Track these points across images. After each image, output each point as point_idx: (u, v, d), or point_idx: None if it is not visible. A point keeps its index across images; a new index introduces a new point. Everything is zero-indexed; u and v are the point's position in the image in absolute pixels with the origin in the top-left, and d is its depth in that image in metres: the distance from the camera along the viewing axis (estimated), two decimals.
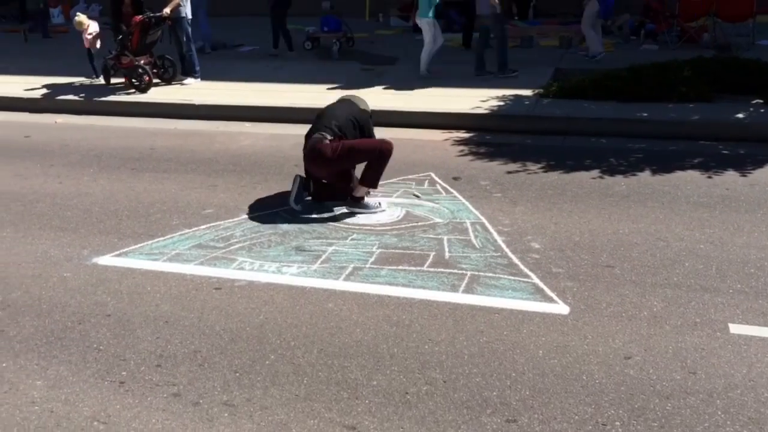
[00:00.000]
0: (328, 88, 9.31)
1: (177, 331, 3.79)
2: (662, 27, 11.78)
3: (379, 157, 5.32)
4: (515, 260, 4.53)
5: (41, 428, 3.06)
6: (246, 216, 5.42)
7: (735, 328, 3.68)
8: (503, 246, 4.75)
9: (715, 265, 4.39)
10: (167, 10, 9.40)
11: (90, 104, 9.30)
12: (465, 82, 9.37)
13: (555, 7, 14.57)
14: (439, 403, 3.15)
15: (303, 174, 5.53)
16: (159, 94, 9.49)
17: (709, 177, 6.06)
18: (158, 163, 6.87)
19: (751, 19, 11.46)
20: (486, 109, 8.14)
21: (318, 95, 8.98)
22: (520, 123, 7.82)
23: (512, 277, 4.29)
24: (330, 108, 5.64)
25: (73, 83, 10.19)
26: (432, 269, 4.42)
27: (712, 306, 3.91)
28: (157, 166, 6.75)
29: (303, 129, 7.71)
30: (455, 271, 4.39)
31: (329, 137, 5.23)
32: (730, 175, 6.09)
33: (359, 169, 5.46)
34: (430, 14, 9.71)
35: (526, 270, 4.39)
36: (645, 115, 7.66)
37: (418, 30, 14.06)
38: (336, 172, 5.43)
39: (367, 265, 4.50)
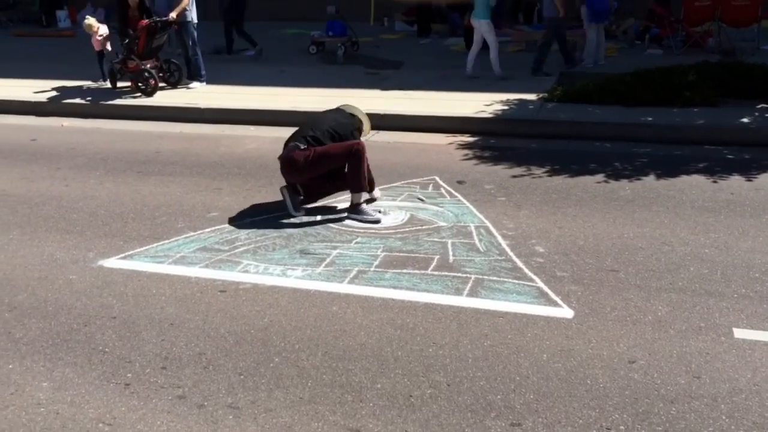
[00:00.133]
0: (333, 92, 9.33)
1: (182, 333, 3.80)
2: (667, 32, 11.78)
3: (353, 158, 5.25)
4: (519, 264, 4.53)
5: (47, 430, 3.08)
6: (251, 219, 5.43)
7: (740, 333, 3.67)
8: (507, 250, 4.75)
9: (720, 269, 4.39)
10: (173, 15, 9.44)
11: (96, 108, 9.35)
12: (469, 86, 9.39)
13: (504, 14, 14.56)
14: (443, 407, 3.15)
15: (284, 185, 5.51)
16: (165, 97, 9.53)
17: (714, 181, 6.05)
18: (164, 166, 6.90)
19: (755, 24, 11.46)
20: (490, 113, 8.15)
21: (322, 99, 9.00)
22: (524, 127, 7.82)
23: (516, 281, 4.30)
24: (313, 118, 5.59)
25: (79, 87, 10.24)
26: (436, 273, 4.43)
27: (717, 310, 3.90)
28: (162, 170, 6.78)
29: None
30: (459, 274, 4.40)
31: (302, 146, 5.23)
32: (735, 180, 6.08)
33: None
34: (488, 15, 9.83)
35: (530, 274, 4.39)
36: (650, 119, 7.67)
37: (422, 34, 14.16)
38: (312, 177, 5.42)
39: (372, 269, 4.50)
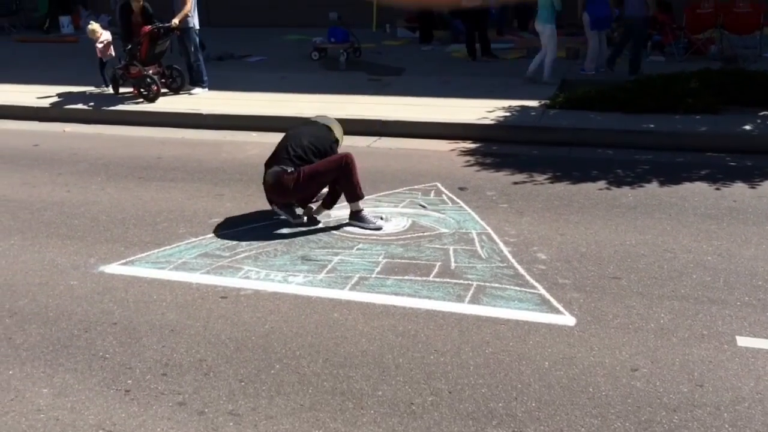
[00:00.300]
0: (335, 98, 9.34)
1: (183, 339, 3.80)
2: (669, 39, 11.78)
3: (345, 170, 5.20)
4: (521, 271, 4.52)
5: None
6: (252, 225, 5.42)
7: (743, 341, 3.66)
8: (509, 257, 4.74)
9: (723, 277, 4.37)
10: (176, 21, 9.46)
11: (98, 113, 9.36)
12: (471, 93, 9.39)
13: (561, 19, 14.57)
14: (444, 414, 3.13)
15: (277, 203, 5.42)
16: (167, 103, 9.54)
17: (717, 189, 6.04)
18: (165, 172, 6.90)
19: (758, 32, 11.45)
20: (492, 119, 8.15)
21: (324, 105, 9.01)
22: (526, 134, 7.82)
23: (518, 288, 4.29)
24: (289, 135, 5.40)
25: (82, 92, 10.25)
26: (438, 279, 4.42)
27: (720, 318, 3.89)
28: (164, 175, 6.78)
29: None
30: (461, 281, 4.39)
31: (289, 170, 5.13)
32: (738, 187, 6.07)
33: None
34: (552, 20, 9.91)
35: (532, 281, 4.38)
36: (652, 126, 7.66)
37: (424, 41, 14.17)
38: (304, 197, 5.39)
39: (373, 275, 4.49)
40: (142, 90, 9.60)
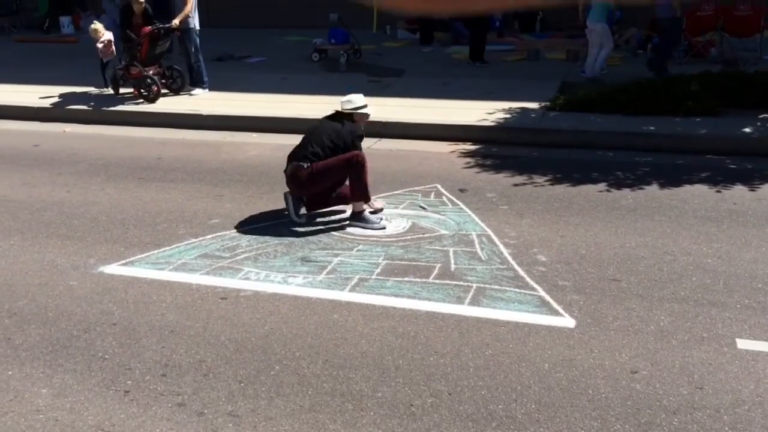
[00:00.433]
0: (335, 100, 9.32)
1: (182, 340, 3.79)
2: None
3: (355, 169, 5.24)
4: (521, 273, 4.52)
5: None
6: (252, 226, 5.42)
7: (743, 344, 3.66)
8: (509, 258, 4.74)
9: (723, 279, 4.37)
10: (176, 22, 9.47)
11: (98, 114, 9.35)
12: (471, 95, 9.39)
13: (562, 21, 14.59)
14: (444, 416, 3.13)
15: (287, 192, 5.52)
16: (167, 104, 9.53)
17: (717, 191, 6.04)
18: (165, 172, 6.90)
19: (758, 34, 11.46)
20: (492, 121, 8.15)
21: (325, 106, 8.97)
22: (526, 135, 7.82)
23: (518, 290, 4.28)
24: (312, 131, 5.45)
25: (82, 93, 10.25)
26: (438, 281, 4.42)
27: (720, 321, 3.89)
28: (164, 176, 6.78)
29: None
30: (461, 283, 4.38)
31: (305, 165, 5.21)
32: (738, 190, 6.07)
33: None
34: (605, 18, 10.05)
35: (532, 283, 4.38)
36: (652, 128, 7.66)
37: (424, 43, 14.17)
38: (317, 191, 5.42)
39: (373, 277, 4.49)
40: (142, 90, 9.60)
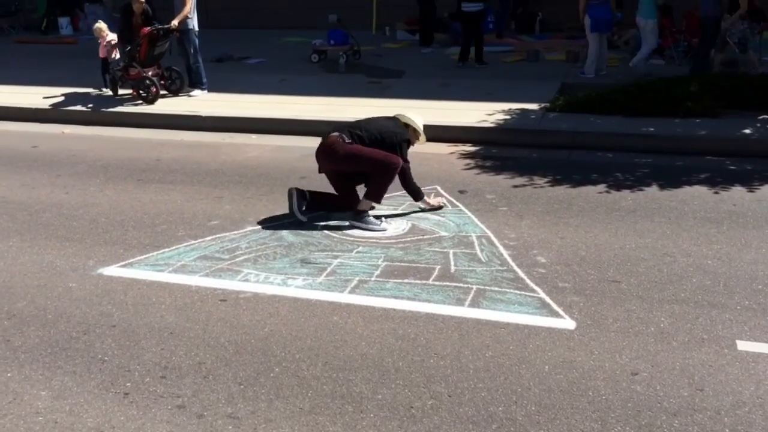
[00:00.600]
0: (334, 101, 9.34)
1: (182, 342, 3.78)
2: (669, 42, 11.79)
3: (384, 171, 5.31)
4: (521, 274, 4.51)
5: None
6: (251, 228, 5.42)
7: (743, 345, 3.66)
8: (509, 260, 4.74)
9: (723, 281, 4.37)
10: (175, 22, 9.46)
11: (97, 115, 9.34)
12: (471, 96, 9.39)
13: (561, 22, 14.60)
14: (444, 418, 3.13)
15: (297, 187, 5.55)
16: (166, 105, 9.53)
17: (716, 192, 6.04)
18: (164, 174, 6.89)
19: (757, 36, 11.44)
20: (492, 122, 8.15)
21: (324, 107, 9.02)
22: (526, 137, 7.82)
23: (518, 292, 4.28)
24: (367, 119, 5.67)
25: (81, 94, 10.23)
26: (437, 283, 4.41)
27: (720, 322, 3.88)
28: (163, 177, 6.77)
29: (309, 141, 7.77)
30: (461, 284, 4.38)
31: (347, 139, 5.33)
32: (738, 191, 6.07)
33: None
34: (654, 15, 10.28)
35: (532, 284, 4.37)
36: (651, 130, 7.66)
37: (424, 44, 14.17)
38: (340, 170, 5.51)
39: (373, 278, 4.49)
40: (141, 92, 9.59)
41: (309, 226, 5.40)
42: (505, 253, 4.84)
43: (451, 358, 3.59)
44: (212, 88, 10.12)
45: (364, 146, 5.34)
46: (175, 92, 10.03)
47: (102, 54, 10.14)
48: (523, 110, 8.61)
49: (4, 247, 5.13)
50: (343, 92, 9.85)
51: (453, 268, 4.62)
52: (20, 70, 12.26)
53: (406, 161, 5.49)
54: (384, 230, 5.27)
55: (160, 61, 9.88)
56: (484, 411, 3.17)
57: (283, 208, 5.76)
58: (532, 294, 4.25)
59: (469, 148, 7.70)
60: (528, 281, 4.42)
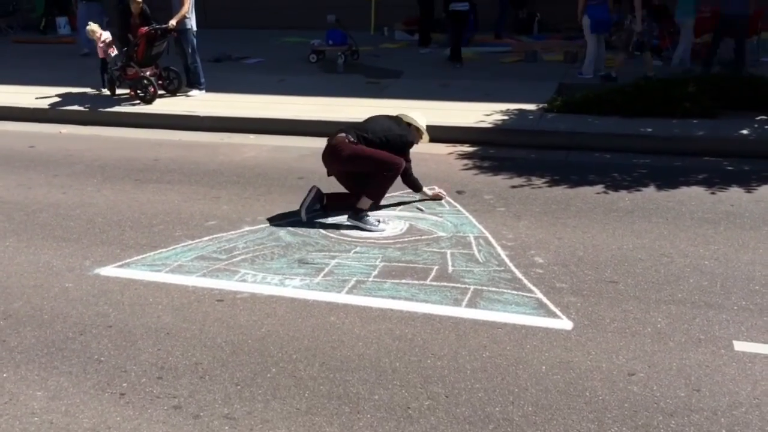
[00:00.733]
0: (333, 101, 9.33)
1: (178, 342, 3.78)
2: (666, 43, 11.79)
3: (386, 171, 5.38)
4: (519, 275, 4.51)
5: None
6: (249, 228, 5.41)
7: (740, 346, 3.66)
8: (507, 260, 4.73)
9: (720, 281, 4.37)
10: (173, 22, 9.45)
11: (95, 115, 9.33)
12: (469, 96, 9.39)
13: (559, 22, 14.61)
14: (441, 419, 3.12)
15: (317, 186, 5.64)
16: (164, 105, 9.52)
17: (714, 193, 6.04)
18: (162, 174, 6.88)
19: (755, 36, 11.46)
20: (490, 123, 8.15)
21: (322, 108, 9.01)
22: (524, 137, 7.82)
23: (515, 292, 4.28)
24: (374, 119, 5.78)
25: (78, 94, 10.22)
26: (435, 283, 4.41)
27: (717, 323, 3.88)
28: (160, 177, 6.76)
29: (307, 141, 7.81)
30: (458, 285, 4.38)
31: (353, 139, 5.42)
32: (735, 192, 6.07)
33: None
34: (694, 14, 10.39)
35: (529, 285, 4.37)
36: (649, 130, 7.66)
37: (423, 44, 14.17)
38: (345, 171, 5.61)
39: (370, 279, 4.48)
40: (139, 91, 9.58)
41: (307, 226, 5.40)
42: (503, 254, 4.84)
43: (449, 358, 3.58)
44: (210, 88, 10.11)
45: (368, 147, 5.43)
46: (173, 92, 10.02)
47: (101, 54, 10.13)
48: (521, 111, 8.61)
49: (1, 247, 5.12)
50: (342, 92, 9.85)
51: (450, 268, 4.62)
52: (18, 69, 12.24)
53: (407, 160, 5.66)
54: (382, 231, 5.26)
55: (158, 61, 9.87)
56: (480, 411, 3.17)
57: (280, 208, 5.77)
58: (529, 294, 4.25)
59: (467, 148, 7.70)
60: (525, 282, 4.41)
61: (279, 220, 5.53)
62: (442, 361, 3.56)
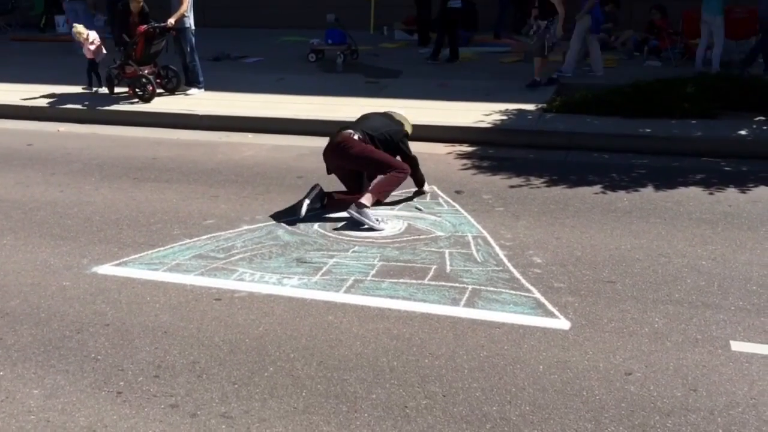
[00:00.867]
0: (332, 100, 9.33)
1: (176, 341, 3.78)
2: (666, 43, 11.79)
3: (394, 176, 5.59)
4: (517, 274, 4.51)
5: None
6: (247, 227, 5.41)
7: (736, 346, 3.66)
8: (505, 260, 4.73)
9: (717, 281, 4.37)
10: (172, 21, 9.44)
11: (93, 113, 9.32)
12: (468, 96, 9.39)
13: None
14: (438, 418, 3.12)
15: (320, 185, 5.69)
16: (162, 104, 9.51)
17: (712, 193, 6.04)
18: (160, 172, 6.88)
19: (754, 37, 11.46)
20: (489, 123, 8.14)
21: (322, 107, 9.01)
22: (523, 137, 7.82)
23: (513, 292, 4.28)
24: (369, 117, 5.94)
25: (76, 92, 10.20)
26: (433, 283, 4.41)
27: (714, 323, 3.89)
28: (159, 176, 6.76)
29: (306, 140, 7.81)
30: (456, 284, 4.38)
31: (360, 137, 5.56)
32: (733, 192, 6.07)
33: None
34: (722, 11, 10.18)
35: (527, 284, 4.37)
36: (648, 130, 7.67)
37: (422, 44, 14.16)
38: (349, 169, 5.73)
39: (368, 278, 4.48)
40: (137, 90, 9.57)
41: (305, 225, 5.40)
42: (501, 254, 4.84)
43: (446, 357, 3.58)
44: (209, 87, 10.10)
45: (375, 147, 5.58)
46: (171, 91, 10.01)
47: (89, 55, 10.03)
48: (520, 111, 8.61)
49: None
50: (341, 92, 9.84)
51: (449, 268, 4.62)
52: (16, 67, 12.23)
53: (413, 156, 5.87)
54: (381, 229, 5.26)
55: (156, 59, 9.86)
56: (478, 411, 3.17)
57: (279, 207, 5.77)
58: (527, 294, 4.25)
59: (466, 148, 7.70)
60: (523, 281, 4.41)
61: (277, 219, 5.52)
62: (440, 360, 3.56)
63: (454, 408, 3.19)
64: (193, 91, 10.00)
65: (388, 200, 5.84)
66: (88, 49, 9.97)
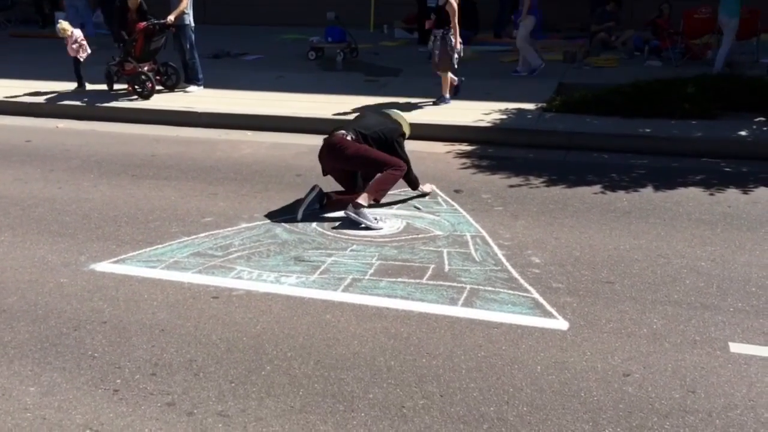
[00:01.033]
0: (331, 99, 9.32)
1: (173, 339, 3.76)
2: (666, 43, 11.79)
3: (392, 175, 5.55)
4: (515, 274, 4.50)
5: None
6: (246, 225, 5.40)
7: (735, 347, 3.65)
8: (503, 260, 4.72)
9: (716, 283, 4.37)
10: (171, 18, 9.43)
11: (92, 110, 9.31)
12: (468, 95, 9.37)
13: (558, 22, 14.60)
14: (435, 418, 3.11)
15: (319, 186, 5.67)
16: (161, 101, 9.50)
17: (711, 194, 6.04)
18: (159, 170, 6.87)
19: (755, 37, 11.47)
20: (489, 122, 8.14)
21: (321, 105, 8.99)
22: (522, 137, 7.81)
23: (512, 292, 4.27)
24: (364, 115, 5.98)
25: (75, 89, 10.17)
26: (431, 282, 4.40)
27: (713, 324, 3.88)
28: (157, 173, 6.74)
29: (305, 139, 7.80)
30: (454, 284, 4.37)
31: (353, 137, 5.55)
32: (733, 193, 6.07)
33: None
34: (738, 13, 10.19)
35: (525, 284, 4.36)
36: (648, 131, 7.66)
37: (422, 42, 14.15)
38: (345, 170, 5.71)
39: (366, 277, 4.47)
40: (136, 87, 9.56)
41: (303, 223, 5.39)
42: (500, 253, 4.83)
43: (444, 357, 3.57)
44: (208, 85, 10.09)
45: (370, 147, 5.56)
46: (170, 88, 10.00)
47: (71, 53, 9.94)
48: (519, 110, 8.60)
49: None
50: (340, 90, 9.83)
51: (447, 267, 4.61)
52: (15, 64, 12.22)
53: (405, 158, 5.79)
54: (380, 228, 5.26)
55: (155, 56, 9.85)
56: (475, 411, 3.16)
57: (277, 206, 5.75)
58: (525, 294, 4.24)
59: (465, 147, 7.69)
60: (522, 281, 4.41)
61: (276, 218, 5.51)
62: (438, 360, 3.55)
63: (452, 408, 3.18)
64: (192, 88, 9.98)
65: (386, 199, 5.83)
66: (71, 47, 9.88)
